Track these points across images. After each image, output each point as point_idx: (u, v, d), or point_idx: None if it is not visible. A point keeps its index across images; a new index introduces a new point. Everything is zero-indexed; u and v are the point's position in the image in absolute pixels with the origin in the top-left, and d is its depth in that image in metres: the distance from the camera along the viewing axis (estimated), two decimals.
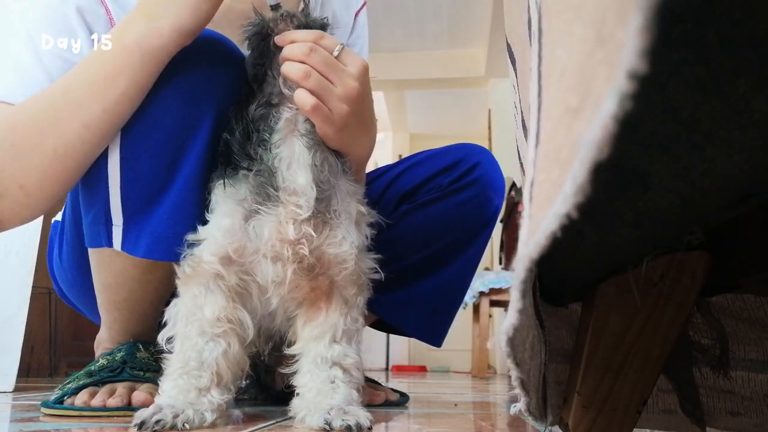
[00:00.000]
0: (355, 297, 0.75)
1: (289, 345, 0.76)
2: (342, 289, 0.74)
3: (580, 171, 0.20)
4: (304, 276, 0.72)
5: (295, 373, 0.75)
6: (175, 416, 0.63)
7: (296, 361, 0.74)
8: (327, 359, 0.71)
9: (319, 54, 0.69)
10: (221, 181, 0.71)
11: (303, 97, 0.69)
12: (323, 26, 0.74)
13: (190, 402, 0.66)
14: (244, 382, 1.03)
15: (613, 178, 0.27)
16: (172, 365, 0.69)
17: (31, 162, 0.71)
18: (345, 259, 0.71)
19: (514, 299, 0.28)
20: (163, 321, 0.73)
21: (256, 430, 0.66)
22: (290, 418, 0.76)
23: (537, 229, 0.24)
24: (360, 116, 0.74)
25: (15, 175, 0.71)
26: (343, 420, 0.64)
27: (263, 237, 0.69)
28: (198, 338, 0.69)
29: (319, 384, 0.70)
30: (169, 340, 0.71)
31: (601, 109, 0.18)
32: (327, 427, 0.64)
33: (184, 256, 0.71)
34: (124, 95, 0.70)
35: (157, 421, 0.62)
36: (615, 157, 0.19)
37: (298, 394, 0.72)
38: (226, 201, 0.71)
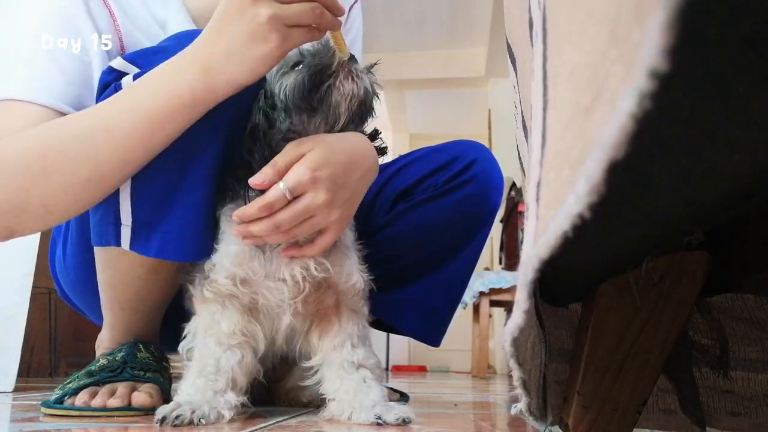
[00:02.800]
0: (361, 306, 0.81)
1: (308, 359, 0.81)
2: (348, 301, 0.79)
3: (595, 171, 0.20)
4: (312, 293, 0.77)
5: (312, 385, 0.81)
6: (193, 412, 0.67)
7: (315, 371, 0.79)
8: (353, 363, 0.77)
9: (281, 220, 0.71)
10: (231, 205, 0.75)
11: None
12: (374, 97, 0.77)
13: (207, 400, 0.70)
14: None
15: (618, 178, 0.27)
16: (190, 369, 0.74)
17: (61, 186, 0.69)
18: (350, 274, 0.78)
19: (521, 299, 0.27)
20: (183, 335, 0.78)
21: (256, 430, 0.67)
22: (290, 417, 0.77)
23: (546, 229, 0.24)
24: (345, 186, 0.74)
25: (41, 195, 0.69)
26: (396, 415, 0.70)
27: (274, 263, 0.74)
28: (215, 347, 0.74)
29: (354, 385, 0.75)
30: (189, 351, 0.76)
31: (618, 108, 0.18)
32: (379, 422, 0.69)
33: (201, 282, 0.76)
34: (168, 139, 0.70)
35: (177, 416, 0.66)
36: (626, 157, 0.19)
37: (332, 399, 0.76)
38: (233, 225, 0.73)
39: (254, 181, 0.70)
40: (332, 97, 0.72)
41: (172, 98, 0.67)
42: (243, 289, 0.74)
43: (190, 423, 0.66)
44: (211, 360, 0.73)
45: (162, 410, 0.67)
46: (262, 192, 0.71)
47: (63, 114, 0.77)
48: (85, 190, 0.70)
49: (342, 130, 0.76)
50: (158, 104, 0.67)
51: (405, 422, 0.70)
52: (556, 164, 0.25)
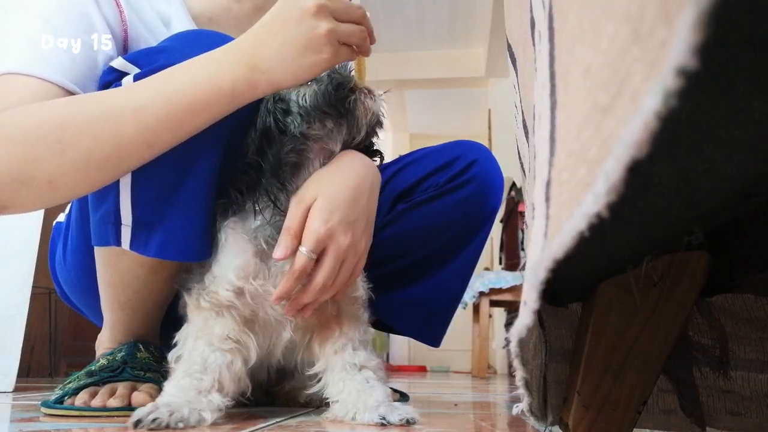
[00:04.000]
0: (362, 313, 0.81)
1: (310, 366, 0.81)
2: (349, 309, 0.80)
3: (615, 169, 0.19)
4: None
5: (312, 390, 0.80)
6: (171, 414, 0.63)
7: (319, 379, 0.79)
8: (356, 365, 0.77)
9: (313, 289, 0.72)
10: (234, 218, 0.74)
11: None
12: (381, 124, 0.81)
13: (188, 401, 0.67)
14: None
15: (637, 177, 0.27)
16: (177, 370, 0.72)
17: (75, 162, 0.65)
18: (355, 287, 0.79)
19: (531, 300, 0.27)
20: (174, 341, 0.76)
21: (256, 430, 0.66)
22: (290, 417, 0.77)
23: (561, 229, 0.24)
24: (358, 218, 0.74)
25: (50, 169, 0.65)
26: (400, 415, 0.69)
27: (278, 277, 0.73)
28: (205, 348, 0.73)
29: (358, 386, 0.75)
30: (178, 359, 0.73)
31: (640, 107, 0.18)
32: (383, 422, 0.69)
33: (198, 291, 0.74)
34: (196, 130, 0.69)
35: (153, 420, 0.61)
36: (647, 156, 0.19)
37: (336, 401, 0.76)
38: (237, 238, 0.73)
39: (277, 254, 0.70)
40: (357, 109, 0.75)
41: (212, 88, 0.67)
42: (245, 301, 0.74)
43: (167, 427, 0.62)
44: (198, 359, 0.71)
45: (138, 412, 0.62)
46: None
47: (69, 92, 0.74)
48: (99, 169, 0.67)
49: (358, 144, 0.78)
50: (196, 92, 0.67)
51: (409, 422, 0.69)
52: (570, 164, 0.25)
